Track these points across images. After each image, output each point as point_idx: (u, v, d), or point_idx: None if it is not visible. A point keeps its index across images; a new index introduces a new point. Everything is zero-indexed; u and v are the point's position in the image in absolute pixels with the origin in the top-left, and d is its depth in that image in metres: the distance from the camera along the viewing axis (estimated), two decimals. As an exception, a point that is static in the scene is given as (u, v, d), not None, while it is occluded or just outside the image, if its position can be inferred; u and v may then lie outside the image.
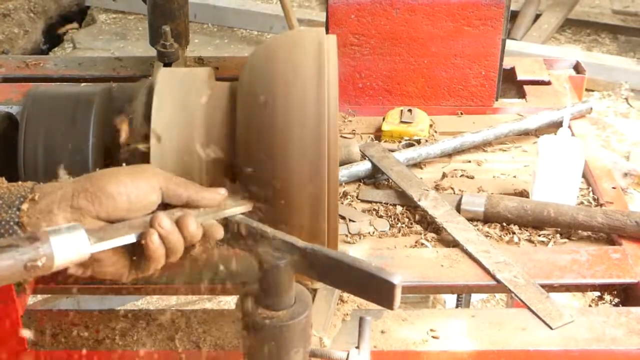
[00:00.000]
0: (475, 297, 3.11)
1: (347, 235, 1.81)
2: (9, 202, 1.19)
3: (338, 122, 1.39)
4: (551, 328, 1.56)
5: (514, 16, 5.44)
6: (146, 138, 1.40)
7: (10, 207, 1.19)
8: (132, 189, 1.23)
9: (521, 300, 1.62)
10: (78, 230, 1.15)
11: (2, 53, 5.19)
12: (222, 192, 1.31)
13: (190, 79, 1.47)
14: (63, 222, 1.18)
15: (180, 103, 1.42)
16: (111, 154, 1.55)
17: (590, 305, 1.76)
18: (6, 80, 2.42)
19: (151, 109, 1.41)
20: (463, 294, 2.44)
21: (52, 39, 5.73)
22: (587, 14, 5.80)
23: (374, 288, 1.24)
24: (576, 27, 5.74)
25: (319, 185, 1.34)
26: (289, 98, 1.34)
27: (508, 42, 2.26)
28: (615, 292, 1.71)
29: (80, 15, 6.04)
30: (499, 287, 1.67)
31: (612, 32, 5.69)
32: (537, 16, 5.62)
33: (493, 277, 1.67)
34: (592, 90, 4.92)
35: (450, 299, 2.75)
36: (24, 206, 1.18)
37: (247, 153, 1.36)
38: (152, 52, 2.33)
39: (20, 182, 1.24)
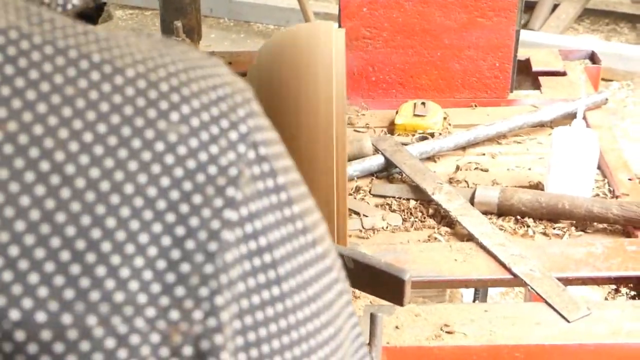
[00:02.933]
0: (493, 291, 3.10)
1: (361, 230, 1.79)
2: None
3: (347, 118, 1.38)
4: (568, 321, 1.54)
5: (532, 7, 5.41)
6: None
7: None
8: None
9: (537, 293, 1.60)
10: None
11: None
12: None
13: None
14: None
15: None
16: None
17: (606, 299, 1.74)
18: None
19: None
20: (477, 287, 2.43)
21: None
22: (605, 4, 5.74)
23: (384, 284, 1.24)
24: (594, 16, 5.70)
25: (328, 184, 1.33)
26: (297, 99, 1.34)
27: (525, 33, 2.25)
28: (632, 285, 1.69)
29: (96, 12, 6.06)
30: (514, 280, 1.65)
31: (630, 21, 5.64)
32: (555, 6, 5.58)
33: (509, 270, 1.65)
34: (611, 80, 4.87)
35: (468, 292, 2.73)
36: None
37: None
38: (167, 48, 2.32)
39: None
